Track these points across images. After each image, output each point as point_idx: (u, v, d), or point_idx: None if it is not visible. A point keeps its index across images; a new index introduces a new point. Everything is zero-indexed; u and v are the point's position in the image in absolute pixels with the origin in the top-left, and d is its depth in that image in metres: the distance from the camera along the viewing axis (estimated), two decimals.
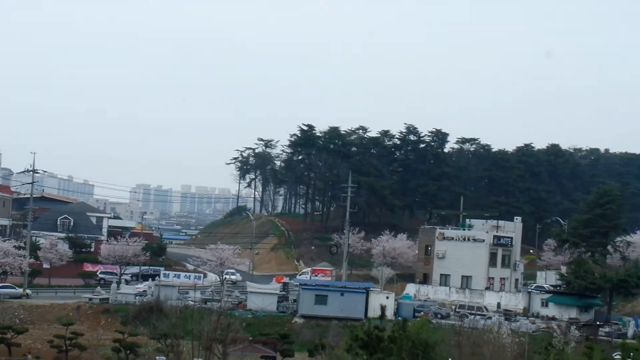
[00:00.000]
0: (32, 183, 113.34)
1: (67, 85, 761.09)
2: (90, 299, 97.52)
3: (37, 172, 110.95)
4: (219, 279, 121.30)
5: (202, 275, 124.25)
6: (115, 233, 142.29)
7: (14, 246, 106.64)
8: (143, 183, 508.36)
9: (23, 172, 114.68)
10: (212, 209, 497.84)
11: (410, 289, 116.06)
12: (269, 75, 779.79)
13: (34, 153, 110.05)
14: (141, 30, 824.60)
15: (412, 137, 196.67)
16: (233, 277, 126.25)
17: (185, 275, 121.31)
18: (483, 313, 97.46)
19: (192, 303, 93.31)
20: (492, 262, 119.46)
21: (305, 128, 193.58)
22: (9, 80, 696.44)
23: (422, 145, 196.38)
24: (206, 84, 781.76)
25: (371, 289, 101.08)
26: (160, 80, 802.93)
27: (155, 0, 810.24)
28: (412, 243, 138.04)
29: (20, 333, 71.74)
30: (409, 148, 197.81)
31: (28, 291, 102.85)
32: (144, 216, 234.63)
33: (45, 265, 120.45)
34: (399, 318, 48.78)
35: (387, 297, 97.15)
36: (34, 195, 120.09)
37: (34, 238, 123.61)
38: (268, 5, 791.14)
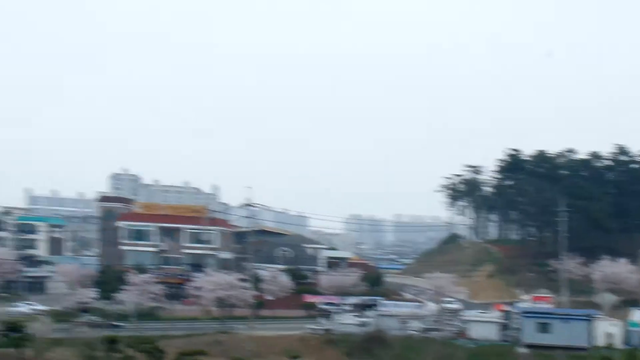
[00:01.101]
0: (250, 217, 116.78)
1: (270, 121, 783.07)
2: (314, 329, 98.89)
3: (253, 206, 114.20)
4: (437, 308, 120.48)
5: (420, 304, 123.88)
6: (332, 264, 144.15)
7: (238, 279, 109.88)
8: (355, 213, 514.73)
9: (241, 206, 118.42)
10: (424, 237, 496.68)
11: (637, 315, 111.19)
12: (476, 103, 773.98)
13: (250, 187, 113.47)
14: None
15: (623, 158, 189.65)
16: (452, 305, 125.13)
17: (404, 305, 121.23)
18: None
19: (413, 332, 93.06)
20: None
21: (512, 152, 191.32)
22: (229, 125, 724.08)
23: (634, 166, 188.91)
24: (410, 115, 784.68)
25: (595, 316, 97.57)
26: (363, 113, 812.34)
27: None
28: (634, 267, 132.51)
29: None
30: (621, 169, 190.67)
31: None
32: (359, 246, 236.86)
33: (268, 297, 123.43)
34: (629, 347, 46.75)
35: (614, 325, 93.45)
36: (252, 229, 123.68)
37: (255, 270, 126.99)
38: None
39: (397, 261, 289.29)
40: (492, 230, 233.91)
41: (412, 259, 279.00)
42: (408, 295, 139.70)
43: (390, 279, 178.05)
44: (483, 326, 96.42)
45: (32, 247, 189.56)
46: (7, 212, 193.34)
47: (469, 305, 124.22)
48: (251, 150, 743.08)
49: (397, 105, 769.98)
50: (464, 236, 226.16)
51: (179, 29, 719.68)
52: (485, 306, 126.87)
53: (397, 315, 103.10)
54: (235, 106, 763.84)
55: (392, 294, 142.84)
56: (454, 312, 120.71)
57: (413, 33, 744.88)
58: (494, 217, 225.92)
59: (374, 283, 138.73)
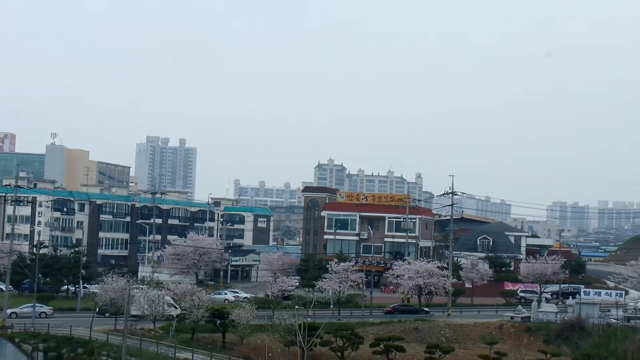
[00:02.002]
0: (452, 205, 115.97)
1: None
2: (512, 317, 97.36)
3: (456, 194, 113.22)
4: None
5: (623, 292, 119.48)
6: (533, 252, 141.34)
7: (437, 267, 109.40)
8: (559, 200, 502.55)
9: (443, 194, 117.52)
10: (630, 224, 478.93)
11: None
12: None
13: (452, 176, 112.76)
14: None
15: None
16: None
17: (606, 293, 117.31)
18: None
19: (614, 321, 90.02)
20: None
21: None
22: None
23: None
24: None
25: None
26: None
27: None
28: None
29: (447, 352, 73.19)
30: None
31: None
32: (562, 234, 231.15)
33: (467, 285, 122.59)
34: None
35: None
36: (454, 217, 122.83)
37: (455, 258, 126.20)
38: None
39: (601, 248, 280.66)
40: None
41: (616, 246, 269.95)
42: (610, 284, 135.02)
43: (592, 266, 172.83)
44: None
45: (238, 236, 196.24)
46: (217, 203, 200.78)
47: None
48: (454, 139, 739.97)
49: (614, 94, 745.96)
50: None
51: None
52: None
53: (598, 304, 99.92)
54: (445, 95, 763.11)
55: (594, 282, 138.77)
56: None
57: None
58: None
59: (575, 271, 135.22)
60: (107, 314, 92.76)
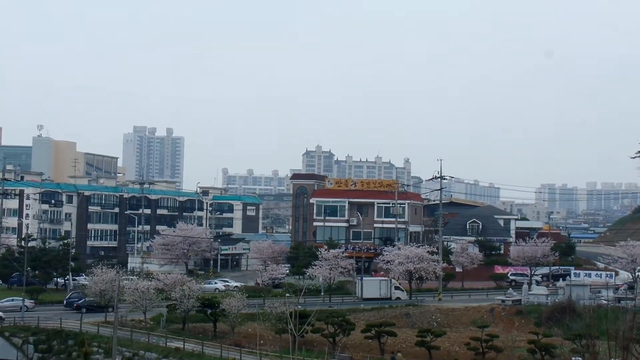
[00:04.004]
0: (440, 189, 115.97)
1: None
2: (503, 300, 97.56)
3: (444, 179, 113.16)
4: (631, 277, 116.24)
5: (613, 273, 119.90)
6: (523, 234, 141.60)
7: (427, 251, 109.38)
8: (548, 183, 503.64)
9: (431, 179, 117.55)
10: (619, 205, 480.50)
11: None
12: None
13: (441, 160, 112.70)
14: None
15: None
16: None
17: (596, 274, 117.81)
18: None
19: (605, 302, 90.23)
20: None
21: None
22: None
23: None
24: None
25: None
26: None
27: None
28: None
29: (438, 336, 73.28)
30: None
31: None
32: (551, 216, 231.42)
33: (458, 269, 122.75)
34: None
35: None
36: (443, 201, 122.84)
37: (445, 243, 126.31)
38: None
39: (590, 230, 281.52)
40: None
41: (605, 227, 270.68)
42: (600, 265, 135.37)
43: (582, 248, 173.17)
44: None
45: (228, 225, 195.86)
46: (205, 192, 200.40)
47: None
48: (441, 123, 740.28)
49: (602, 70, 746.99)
50: None
51: None
52: None
53: (588, 285, 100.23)
54: (432, 80, 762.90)
55: (584, 263, 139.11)
56: None
57: None
58: None
59: (565, 253, 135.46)
60: (83, 310, 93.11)
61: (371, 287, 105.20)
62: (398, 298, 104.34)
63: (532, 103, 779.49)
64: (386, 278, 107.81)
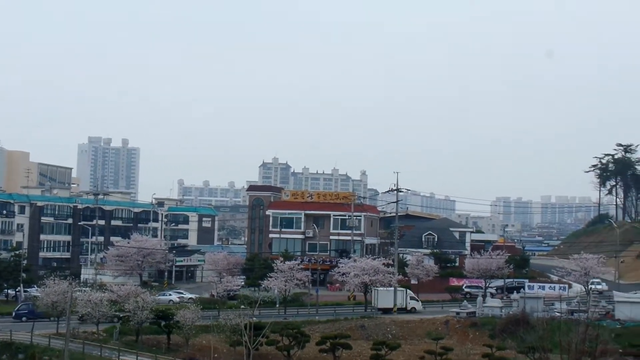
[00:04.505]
0: (396, 202, 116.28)
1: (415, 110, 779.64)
2: (458, 313, 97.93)
3: (400, 191, 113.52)
4: (584, 290, 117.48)
5: (566, 286, 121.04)
6: (478, 247, 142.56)
7: (383, 264, 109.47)
8: (503, 196, 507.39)
9: (388, 191, 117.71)
10: (573, 218, 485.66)
11: None
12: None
13: (397, 172, 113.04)
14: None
15: None
16: (599, 286, 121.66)
17: (550, 287, 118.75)
18: None
19: (558, 314, 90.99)
20: None
21: None
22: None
23: None
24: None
25: None
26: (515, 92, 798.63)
27: None
28: None
29: (393, 349, 73.36)
30: None
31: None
32: (506, 229, 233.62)
33: (413, 281, 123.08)
34: None
35: None
36: (399, 214, 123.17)
37: (400, 255, 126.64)
38: None
39: (544, 243, 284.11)
40: None
41: (559, 240, 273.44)
42: (554, 277, 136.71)
43: (536, 261, 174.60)
44: (631, 307, 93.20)
45: (183, 236, 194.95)
46: (160, 203, 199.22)
47: (616, 286, 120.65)
48: (397, 136, 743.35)
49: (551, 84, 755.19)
50: (614, 217, 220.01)
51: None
52: (634, 287, 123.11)
53: (542, 298, 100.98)
54: (381, 96, 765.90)
55: (538, 276, 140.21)
56: (601, 293, 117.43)
57: None
58: None
59: (519, 265, 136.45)
60: (23, 318, 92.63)
61: (386, 296, 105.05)
62: (413, 308, 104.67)
63: (486, 117, 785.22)
64: (402, 288, 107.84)
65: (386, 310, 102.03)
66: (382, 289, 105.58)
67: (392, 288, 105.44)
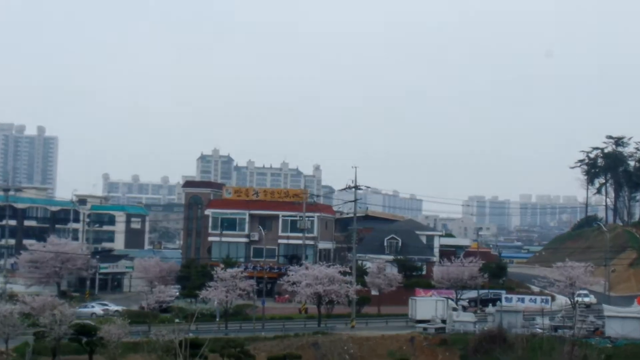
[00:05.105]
0: (355, 201, 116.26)
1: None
2: (425, 328, 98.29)
3: (359, 189, 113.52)
4: (569, 303, 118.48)
5: (549, 298, 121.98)
6: (448, 253, 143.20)
7: (339, 272, 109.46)
8: (477, 195, 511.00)
9: (345, 189, 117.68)
10: (556, 220, 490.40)
11: None
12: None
13: (356, 167, 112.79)
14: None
15: None
16: (586, 299, 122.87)
17: (530, 299, 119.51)
18: None
19: (539, 331, 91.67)
20: None
21: None
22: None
23: None
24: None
25: None
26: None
27: None
28: None
29: None
30: None
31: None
32: (480, 232, 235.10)
33: (374, 292, 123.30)
34: None
35: None
36: (357, 214, 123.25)
37: (359, 262, 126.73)
38: None
39: (524, 248, 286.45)
40: (637, 212, 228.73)
41: (541, 245, 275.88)
42: (535, 288, 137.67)
43: (514, 269, 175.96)
44: (623, 323, 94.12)
45: (108, 239, 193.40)
46: (82, 200, 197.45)
47: (606, 299, 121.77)
48: (356, 127, 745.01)
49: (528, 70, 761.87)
50: (602, 218, 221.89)
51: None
52: (626, 300, 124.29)
53: (521, 311, 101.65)
54: (343, 78, 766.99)
55: (517, 286, 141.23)
56: (589, 306, 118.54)
57: None
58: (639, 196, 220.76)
59: (495, 274, 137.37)
60: None
61: (425, 307, 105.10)
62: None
63: (456, 108, 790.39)
64: (442, 297, 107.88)
65: (424, 322, 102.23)
66: (421, 297, 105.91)
67: (433, 298, 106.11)
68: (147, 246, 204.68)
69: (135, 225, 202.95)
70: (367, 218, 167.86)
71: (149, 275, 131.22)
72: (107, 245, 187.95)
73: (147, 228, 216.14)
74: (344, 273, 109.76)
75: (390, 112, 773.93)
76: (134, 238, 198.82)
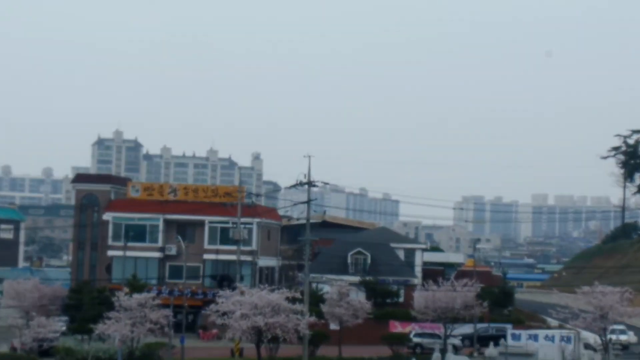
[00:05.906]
0: (308, 202, 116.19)
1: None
2: None
3: (314, 186, 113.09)
4: (599, 341, 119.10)
5: (572, 335, 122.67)
6: (434, 273, 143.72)
7: (287, 298, 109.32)
8: (473, 195, 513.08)
9: (294, 185, 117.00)
10: (582, 229, 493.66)
11: None
12: None
13: (309, 156, 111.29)
14: None
15: None
16: (623, 336, 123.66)
17: (547, 336, 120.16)
18: None
19: None
20: None
21: None
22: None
23: None
24: None
25: None
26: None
27: None
28: None
29: None
30: None
31: None
32: (477, 245, 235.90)
33: (333, 326, 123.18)
34: None
35: None
36: (312, 220, 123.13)
37: (314, 285, 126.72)
38: None
39: (537, 268, 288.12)
40: None
41: (561, 263, 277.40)
42: (553, 322, 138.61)
43: (524, 295, 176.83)
44: None
45: None
46: None
47: None
48: (310, 101, 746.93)
49: None
50: None
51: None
52: None
53: (533, 354, 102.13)
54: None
55: (528, 319, 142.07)
56: (627, 347, 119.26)
57: None
58: None
59: (499, 302, 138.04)
60: None
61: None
62: None
63: (445, 81, 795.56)
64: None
65: None
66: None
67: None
68: (22, 263, 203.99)
69: (6, 234, 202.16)
70: (325, 225, 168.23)
71: (24, 304, 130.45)
72: None
73: (22, 238, 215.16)
74: (293, 300, 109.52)
75: (358, 81, 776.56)
76: (3, 252, 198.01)
